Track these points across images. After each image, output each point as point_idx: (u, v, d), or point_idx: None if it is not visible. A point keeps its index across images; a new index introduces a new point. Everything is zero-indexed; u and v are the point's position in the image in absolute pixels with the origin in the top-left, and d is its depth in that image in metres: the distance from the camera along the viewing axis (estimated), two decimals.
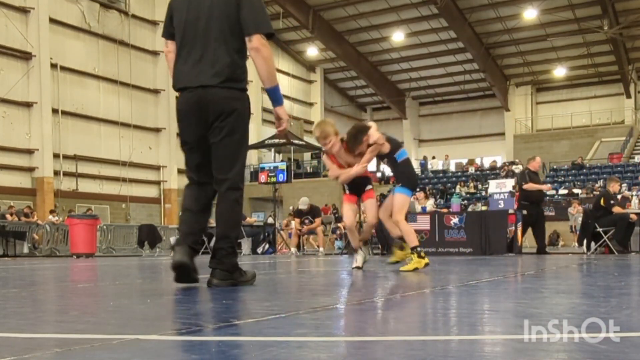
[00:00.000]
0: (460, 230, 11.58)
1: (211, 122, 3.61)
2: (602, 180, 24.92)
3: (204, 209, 3.80)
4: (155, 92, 28.36)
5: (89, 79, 25.82)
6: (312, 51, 36.10)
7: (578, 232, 13.12)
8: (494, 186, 12.13)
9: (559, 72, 36.23)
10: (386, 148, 5.44)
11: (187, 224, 3.76)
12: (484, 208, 14.16)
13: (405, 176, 5.55)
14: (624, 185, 20.15)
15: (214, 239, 15.38)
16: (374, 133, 5.38)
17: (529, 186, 11.18)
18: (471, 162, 34.65)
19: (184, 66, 3.68)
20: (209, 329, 1.97)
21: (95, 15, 26.12)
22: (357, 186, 5.69)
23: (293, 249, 15.08)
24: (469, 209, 17.61)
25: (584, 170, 29.47)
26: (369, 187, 5.73)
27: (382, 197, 29.53)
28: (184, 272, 3.59)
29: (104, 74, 26.27)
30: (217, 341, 1.77)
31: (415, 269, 5.16)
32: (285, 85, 36.55)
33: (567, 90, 38.02)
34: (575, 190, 26.14)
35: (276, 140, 31.79)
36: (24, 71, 23.27)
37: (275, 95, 3.81)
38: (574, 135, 35.01)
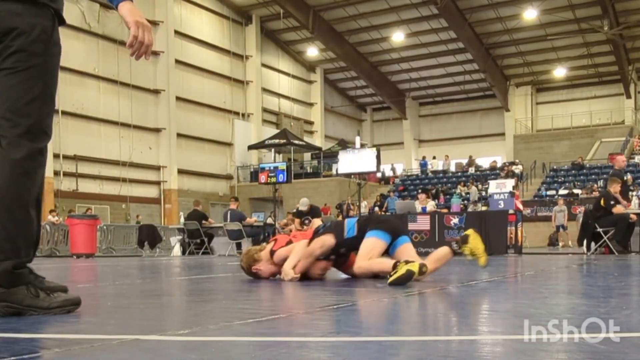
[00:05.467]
0: (460, 231, 11.58)
1: None
2: (602, 181, 24.92)
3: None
4: (155, 92, 28.37)
5: (89, 79, 25.82)
6: (312, 51, 36.10)
7: (578, 232, 13.09)
8: (494, 186, 12.14)
9: (559, 72, 36.24)
10: (330, 241, 4.38)
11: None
12: (484, 208, 14.17)
13: (375, 223, 4.54)
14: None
15: (214, 239, 15.29)
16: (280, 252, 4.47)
17: None
18: (471, 162, 34.67)
19: None
20: (209, 329, 1.97)
21: (95, 15, 26.13)
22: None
23: None
24: (469, 209, 17.61)
25: (584, 171, 29.47)
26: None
27: (383, 198, 29.26)
28: None
29: (104, 74, 26.28)
30: (217, 341, 1.77)
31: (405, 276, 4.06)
32: (285, 85, 36.56)
33: (567, 90, 38.02)
34: (576, 191, 26.16)
35: (276, 141, 31.89)
36: None
37: None
38: (574, 135, 35.01)
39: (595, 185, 25.53)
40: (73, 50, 25.02)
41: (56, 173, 24.21)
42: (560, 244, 22.19)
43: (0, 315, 2.25)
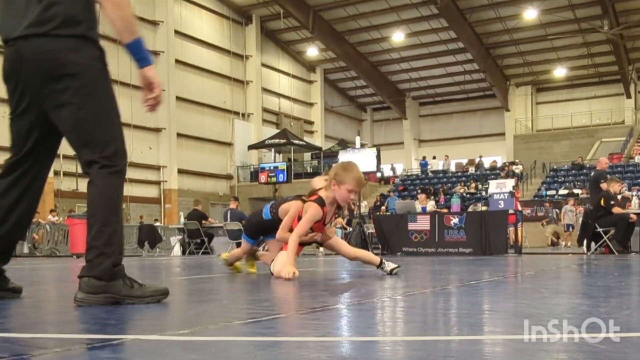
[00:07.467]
0: (460, 231, 11.57)
1: (41, 86, 2.66)
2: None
3: (12, 203, 2.95)
4: None
5: None
6: (312, 51, 36.11)
7: (578, 232, 13.11)
8: (494, 186, 12.14)
9: (559, 72, 36.24)
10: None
11: None
12: (484, 208, 14.17)
13: None
14: (624, 185, 20.17)
15: (214, 239, 15.26)
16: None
17: None
18: (472, 162, 34.67)
19: (5, 13, 2.75)
20: (209, 329, 1.97)
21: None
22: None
23: None
24: (469, 209, 17.61)
25: (584, 171, 29.47)
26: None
27: (383, 197, 29.19)
28: None
29: None
30: (217, 341, 1.77)
31: None
32: (285, 85, 36.56)
33: (567, 90, 38.03)
34: (576, 191, 26.15)
35: (276, 140, 31.88)
36: None
37: (137, 52, 2.79)
38: (574, 135, 35.02)
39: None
40: None
41: (56, 173, 24.19)
42: (562, 243, 22.17)
43: (102, 304, 2.59)
